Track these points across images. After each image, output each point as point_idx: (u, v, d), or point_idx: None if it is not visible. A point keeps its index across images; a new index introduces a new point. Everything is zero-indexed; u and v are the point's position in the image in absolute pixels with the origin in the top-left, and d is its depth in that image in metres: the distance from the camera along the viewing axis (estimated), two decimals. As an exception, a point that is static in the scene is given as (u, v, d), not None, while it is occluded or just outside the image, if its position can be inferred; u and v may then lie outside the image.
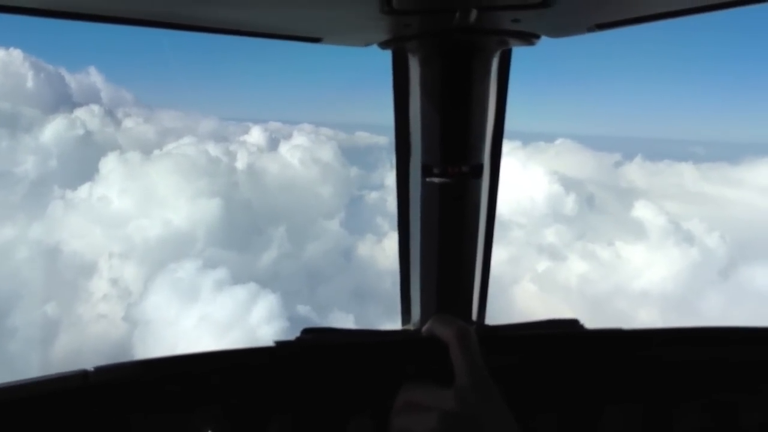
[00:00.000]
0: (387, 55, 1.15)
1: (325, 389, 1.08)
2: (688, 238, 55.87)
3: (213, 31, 0.96)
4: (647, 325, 1.33)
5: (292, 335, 1.16)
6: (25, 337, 36.24)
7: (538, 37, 1.01)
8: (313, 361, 1.09)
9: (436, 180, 1.11)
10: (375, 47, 1.09)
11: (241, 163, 70.64)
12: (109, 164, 58.67)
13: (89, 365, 1.00)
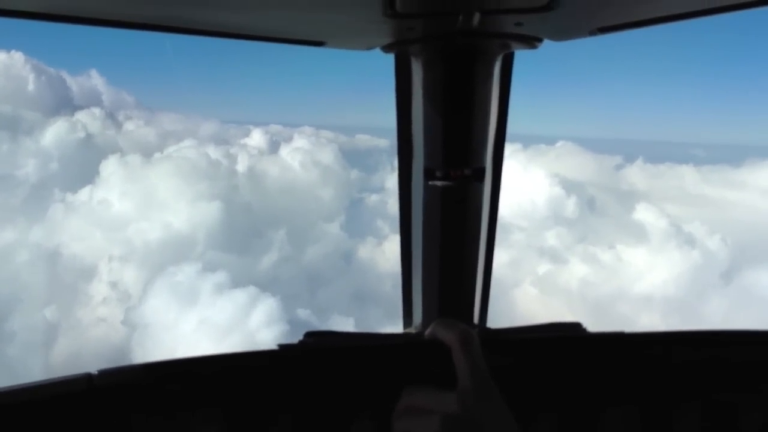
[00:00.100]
0: (389, 59, 1.15)
1: (327, 392, 1.07)
2: (689, 241, 55.78)
3: (216, 35, 0.97)
4: (649, 329, 1.32)
5: (292, 339, 1.15)
6: (25, 341, 36.18)
7: (540, 40, 1.01)
8: (316, 364, 1.09)
9: (438, 183, 1.11)
10: (377, 50, 1.09)
11: (241, 166, 70.75)
12: (110, 167, 58.65)
13: (88, 369, 1.00)
